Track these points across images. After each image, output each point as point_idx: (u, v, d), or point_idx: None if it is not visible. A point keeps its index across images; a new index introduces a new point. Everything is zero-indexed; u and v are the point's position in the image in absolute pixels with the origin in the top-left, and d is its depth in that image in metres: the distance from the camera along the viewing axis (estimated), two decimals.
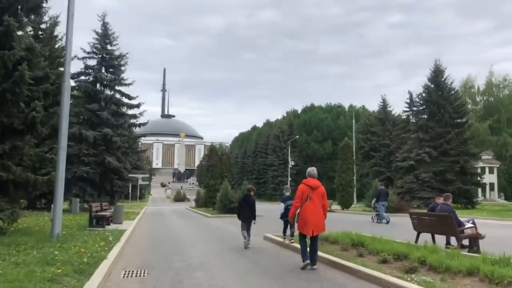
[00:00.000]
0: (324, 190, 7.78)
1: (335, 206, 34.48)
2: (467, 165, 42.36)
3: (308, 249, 7.67)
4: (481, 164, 51.22)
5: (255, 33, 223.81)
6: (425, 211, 13.96)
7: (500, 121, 64.74)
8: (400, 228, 17.60)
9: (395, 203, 27.03)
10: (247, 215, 10.89)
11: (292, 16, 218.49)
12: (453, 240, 10.54)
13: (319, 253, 8.25)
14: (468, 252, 9.05)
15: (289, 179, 67.19)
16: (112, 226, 16.84)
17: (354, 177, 38.93)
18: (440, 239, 10.34)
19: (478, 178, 43.50)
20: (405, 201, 29.20)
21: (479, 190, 49.48)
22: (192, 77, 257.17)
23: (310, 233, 7.51)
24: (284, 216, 10.72)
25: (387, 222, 20.50)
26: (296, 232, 8.68)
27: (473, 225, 9.51)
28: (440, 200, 10.84)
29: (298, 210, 7.65)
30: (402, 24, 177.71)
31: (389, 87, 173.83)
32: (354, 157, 36.40)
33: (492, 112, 65.89)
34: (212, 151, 33.05)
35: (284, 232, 11.22)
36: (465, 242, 10.30)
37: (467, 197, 41.40)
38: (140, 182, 46.96)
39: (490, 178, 57.77)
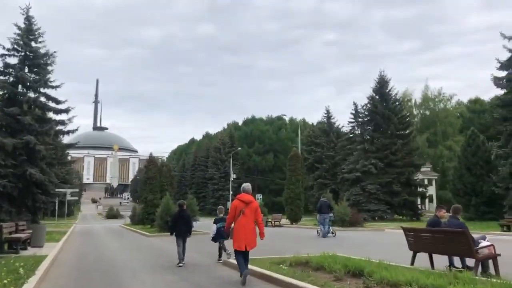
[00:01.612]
0: (257, 205, 7.92)
1: (284, 220, 32.54)
2: (412, 177, 42.34)
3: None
4: (420, 176, 51.73)
5: (192, 46, 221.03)
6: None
7: (436, 134, 66.38)
8: (348, 242, 16.45)
9: (349, 217, 25.48)
10: (183, 230, 10.89)
11: (230, 31, 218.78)
12: (456, 261, 8.78)
13: None
14: (482, 275, 7.27)
15: (231, 192, 64.82)
16: (30, 251, 13.68)
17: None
18: (439, 260, 8.55)
19: (423, 190, 43.59)
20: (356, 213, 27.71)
21: (419, 201, 49.87)
22: (128, 89, 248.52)
23: (243, 248, 7.57)
24: (216, 238, 11.00)
25: (334, 235, 20.08)
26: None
27: (489, 243, 7.72)
28: (442, 213, 9.03)
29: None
30: (336, 42, 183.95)
31: (325, 102, 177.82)
32: (304, 168, 34.82)
33: (428, 125, 67.52)
34: (151, 162, 30.00)
35: (221, 252, 11.04)
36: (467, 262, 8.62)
37: (412, 209, 41.24)
38: (68, 197, 42.45)
39: (429, 190, 58.72)
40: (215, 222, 11.20)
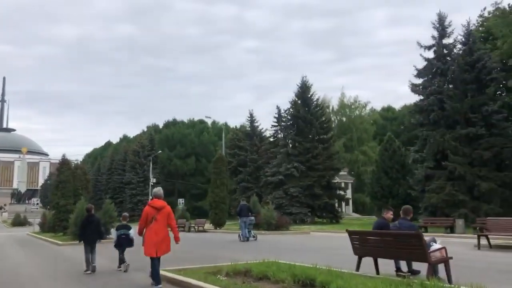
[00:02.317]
0: (169, 210, 7.85)
1: (208, 225, 31.52)
2: (332, 180, 43.27)
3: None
4: (337, 180, 53.27)
5: (111, 47, 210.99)
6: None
7: (352, 139, 69.02)
8: (279, 247, 16.08)
9: (276, 220, 25.10)
10: (92, 236, 10.56)
11: (151, 33, 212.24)
12: (402, 265, 8.44)
13: None
14: (429, 279, 6.92)
15: (150, 198, 62.35)
16: None
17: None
18: (383, 265, 8.16)
19: (343, 193, 44.72)
20: (282, 216, 27.49)
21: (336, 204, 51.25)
22: (39, 89, 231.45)
23: (154, 254, 7.53)
24: (117, 245, 10.66)
25: (255, 239, 19.89)
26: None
27: (441, 246, 7.41)
28: (390, 215, 8.66)
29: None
30: (257, 49, 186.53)
31: (245, 107, 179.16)
32: (227, 171, 34.05)
33: (345, 131, 70.01)
34: (64, 164, 27.50)
35: (121, 261, 10.59)
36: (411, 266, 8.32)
37: (332, 211, 42.10)
38: None
39: (346, 193, 60.69)
40: (116, 229, 10.96)
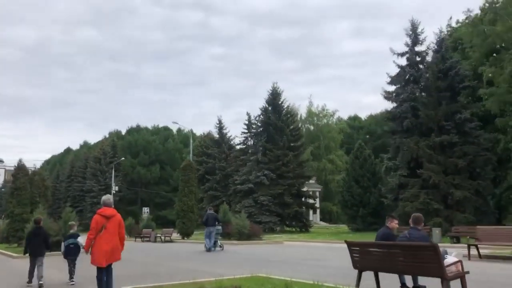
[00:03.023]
0: (120, 219, 7.71)
1: (175, 235, 30.05)
2: (302, 188, 42.66)
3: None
4: (305, 188, 52.80)
5: (72, 51, 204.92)
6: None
7: (320, 147, 68.92)
8: (257, 258, 15.14)
9: (248, 230, 24.03)
10: (39, 249, 10.23)
11: (114, 38, 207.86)
12: (408, 280, 7.58)
13: None
14: None
15: (112, 207, 59.85)
16: None
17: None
18: (384, 279, 7.28)
19: (312, 201, 44.15)
20: (254, 225, 26.44)
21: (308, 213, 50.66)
22: None
23: (103, 264, 7.29)
24: (66, 255, 10.33)
25: (222, 249, 19.47)
26: None
27: (457, 259, 6.57)
28: (394, 224, 7.78)
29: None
30: (223, 57, 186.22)
31: (210, 115, 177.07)
32: (196, 179, 32.68)
33: (312, 139, 69.80)
34: (20, 169, 25.50)
35: (71, 272, 10.18)
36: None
37: (301, 220, 41.41)
38: None
39: (316, 201, 60.23)
40: (65, 239, 10.69)
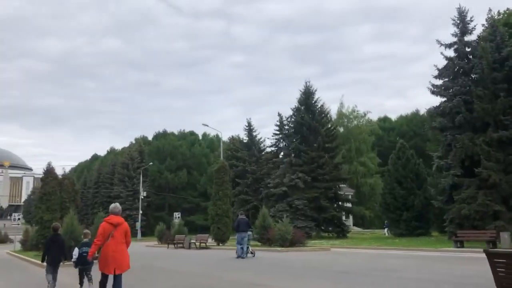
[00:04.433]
0: (127, 227, 7.77)
1: (210, 241, 28.42)
2: (338, 192, 40.63)
3: None
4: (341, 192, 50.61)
5: (96, 61, 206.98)
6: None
7: (350, 150, 66.62)
8: (301, 267, 13.53)
9: (291, 235, 22.22)
10: (57, 257, 9.95)
11: (137, 48, 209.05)
12: None
13: None
14: None
15: (140, 212, 58.97)
16: None
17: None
18: None
19: (350, 205, 41.99)
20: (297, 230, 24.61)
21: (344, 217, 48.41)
22: (23, 103, 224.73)
23: (111, 272, 7.31)
24: (78, 263, 10.27)
25: (253, 255, 18.57)
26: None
27: None
28: None
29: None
30: (244, 64, 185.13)
31: (232, 122, 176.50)
32: (230, 182, 31.11)
33: (343, 141, 67.61)
34: (50, 173, 24.30)
35: (81, 282, 10.27)
36: None
37: (339, 225, 39.30)
38: None
39: (353, 205, 57.88)
40: (79, 247, 10.54)
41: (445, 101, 27.05)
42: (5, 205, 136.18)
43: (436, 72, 27.97)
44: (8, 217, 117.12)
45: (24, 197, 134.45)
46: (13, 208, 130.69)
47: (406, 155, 34.80)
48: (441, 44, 27.78)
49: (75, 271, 10.67)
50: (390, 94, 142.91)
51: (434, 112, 27.94)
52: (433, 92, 28.02)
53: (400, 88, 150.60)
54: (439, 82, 28.12)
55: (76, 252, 10.54)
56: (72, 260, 10.55)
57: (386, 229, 40.62)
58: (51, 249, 10.11)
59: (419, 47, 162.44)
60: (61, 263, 10.29)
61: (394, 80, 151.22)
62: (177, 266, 15.71)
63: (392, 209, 34.23)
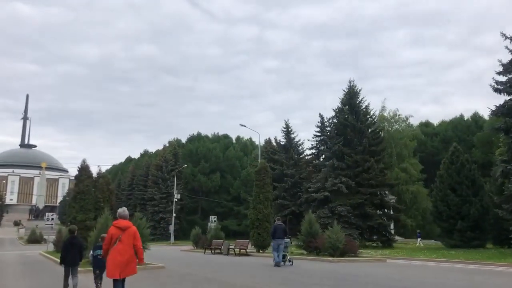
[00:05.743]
0: (135, 230, 7.72)
1: (250, 247, 26.54)
2: (385, 198, 38.12)
3: None
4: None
5: (132, 66, 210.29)
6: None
7: (391, 155, 63.63)
8: (349, 280, 11.57)
9: (343, 244, 20.11)
10: (73, 259, 10.15)
11: (171, 53, 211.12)
12: None
13: None
14: None
15: (174, 215, 57.73)
16: None
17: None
18: None
19: (397, 214, 39.36)
20: (350, 239, 22.44)
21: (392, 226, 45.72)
22: (60, 107, 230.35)
23: (117, 276, 7.34)
24: (95, 266, 10.19)
25: (291, 264, 17.79)
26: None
27: None
28: None
29: None
30: (276, 70, 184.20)
31: (265, 126, 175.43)
32: (271, 185, 29.26)
33: (384, 146, 64.76)
34: (84, 170, 23.06)
35: (96, 283, 10.13)
36: None
37: (385, 234, 36.77)
38: None
39: (401, 213, 54.93)
40: (93, 249, 10.68)
41: (511, 99, 24.43)
42: (41, 205, 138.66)
43: (500, 68, 25.38)
44: (44, 218, 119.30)
45: (60, 198, 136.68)
46: (49, 209, 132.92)
47: (461, 160, 32.05)
48: (506, 37, 25.21)
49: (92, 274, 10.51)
50: (426, 101, 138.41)
51: (498, 112, 25.29)
52: (496, 90, 25.42)
53: (436, 94, 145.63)
54: (503, 78, 25.50)
55: (90, 255, 10.84)
56: (90, 264, 10.80)
57: (419, 240, 39.01)
58: (69, 251, 10.30)
59: (457, 53, 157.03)
60: (78, 264, 10.48)
61: (430, 86, 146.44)
62: (218, 275, 13.96)
63: (445, 218, 31.50)
